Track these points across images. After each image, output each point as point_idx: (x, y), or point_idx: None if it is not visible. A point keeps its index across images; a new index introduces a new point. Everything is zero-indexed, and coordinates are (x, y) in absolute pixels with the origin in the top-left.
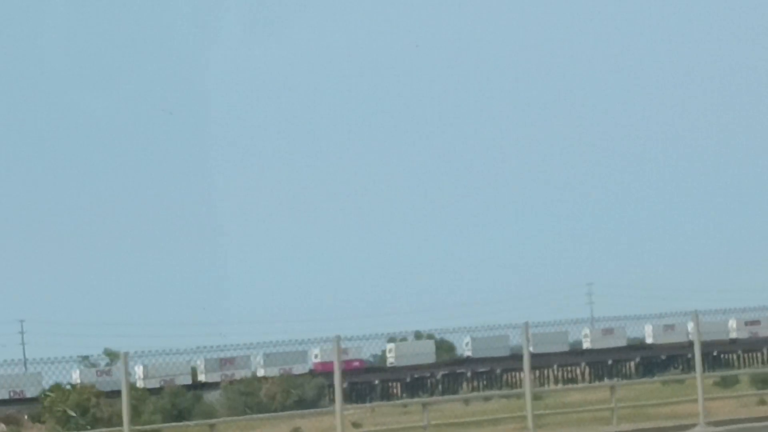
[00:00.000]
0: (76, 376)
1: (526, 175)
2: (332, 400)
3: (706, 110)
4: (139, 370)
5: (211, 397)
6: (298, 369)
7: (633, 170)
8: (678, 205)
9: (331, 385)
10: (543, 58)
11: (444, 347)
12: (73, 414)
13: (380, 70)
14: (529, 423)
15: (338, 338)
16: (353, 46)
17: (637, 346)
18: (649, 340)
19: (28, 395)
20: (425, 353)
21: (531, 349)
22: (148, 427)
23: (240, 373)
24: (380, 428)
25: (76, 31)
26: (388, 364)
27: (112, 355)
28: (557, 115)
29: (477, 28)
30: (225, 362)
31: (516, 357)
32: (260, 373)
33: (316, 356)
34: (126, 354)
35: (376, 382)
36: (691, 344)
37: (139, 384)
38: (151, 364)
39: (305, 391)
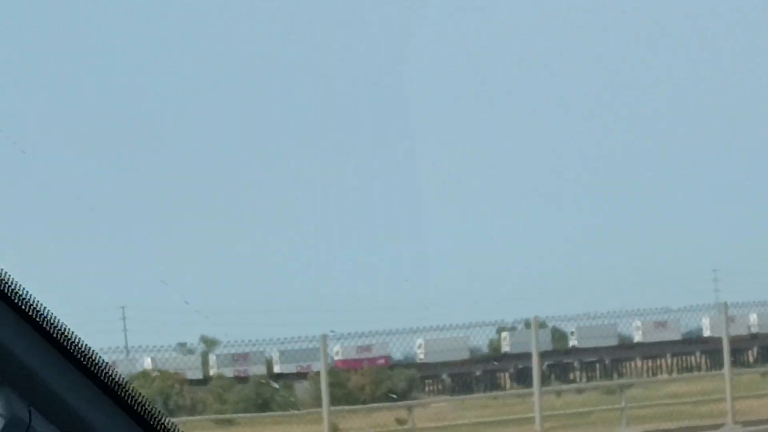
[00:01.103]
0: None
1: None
2: (430, 392)
3: None
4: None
5: (300, 387)
6: (318, 366)
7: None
8: None
9: (424, 377)
10: None
11: (555, 336)
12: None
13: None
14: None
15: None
16: (561, 23)
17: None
18: None
19: None
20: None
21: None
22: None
23: (253, 369)
24: (429, 425)
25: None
26: (417, 360)
27: (208, 343)
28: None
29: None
30: (238, 357)
31: (624, 347)
32: (276, 369)
33: (337, 353)
34: None
35: (478, 373)
36: None
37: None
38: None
39: (394, 382)
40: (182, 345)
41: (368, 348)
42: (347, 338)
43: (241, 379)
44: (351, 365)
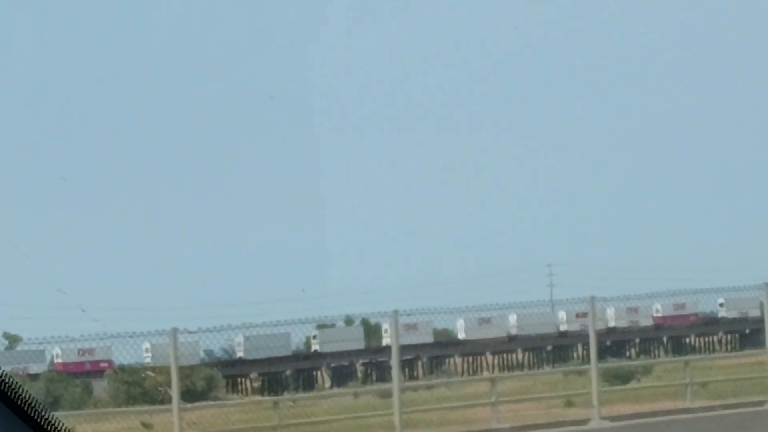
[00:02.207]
0: None
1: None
2: (230, 392)
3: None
4: None
5: (99, 385)
6: (36, 368)
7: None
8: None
9: (226, 376)
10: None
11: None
12: None
13: (488, 57)
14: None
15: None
16: (460, 34)
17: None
18: (611, 324)
19: None
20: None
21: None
22: None
23: None
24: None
25: (181, 20)
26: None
27: (11, 339)
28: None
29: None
30: None
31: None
32: None
33: (57, 356)
34: None
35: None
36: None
37: None
38: None
39: (194, 381)
40: None
41: (91, 351)
42: (67, 341)
43: None
44: (72, 369)
